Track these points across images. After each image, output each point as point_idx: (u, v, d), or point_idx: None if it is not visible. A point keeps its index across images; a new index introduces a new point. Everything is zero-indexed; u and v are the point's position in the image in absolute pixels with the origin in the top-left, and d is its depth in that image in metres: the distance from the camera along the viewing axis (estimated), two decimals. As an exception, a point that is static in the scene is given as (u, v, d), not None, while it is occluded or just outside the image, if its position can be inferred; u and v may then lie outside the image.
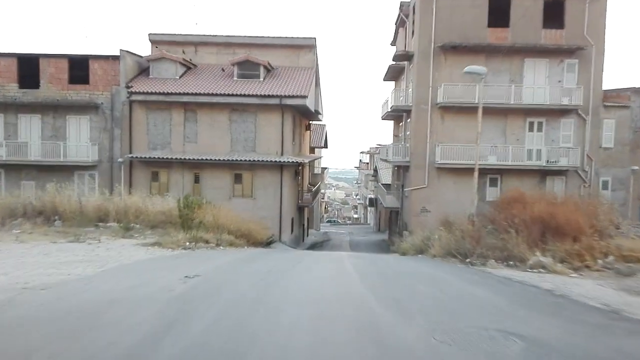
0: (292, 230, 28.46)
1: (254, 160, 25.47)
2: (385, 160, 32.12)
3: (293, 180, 28.80)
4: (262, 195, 26.26)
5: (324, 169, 50.84)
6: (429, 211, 26.11)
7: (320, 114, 35.01)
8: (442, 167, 25.67)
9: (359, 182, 79.34)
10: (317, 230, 44.95)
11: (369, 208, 67.55)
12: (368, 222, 68.87)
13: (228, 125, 26.22)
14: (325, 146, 53.80)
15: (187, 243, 13.44)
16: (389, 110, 31.40)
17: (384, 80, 35.03)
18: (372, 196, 54.03)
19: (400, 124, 32.64)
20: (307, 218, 38.34)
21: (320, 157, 40.29)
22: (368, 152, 69.71)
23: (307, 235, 37.98)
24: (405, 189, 28.47)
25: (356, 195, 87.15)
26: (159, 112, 26.43)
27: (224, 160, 25.57)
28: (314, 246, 32.60)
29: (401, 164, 28.12)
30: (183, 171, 26.33)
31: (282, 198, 26.26)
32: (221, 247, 14.76)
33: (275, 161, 25.57)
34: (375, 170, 52.25)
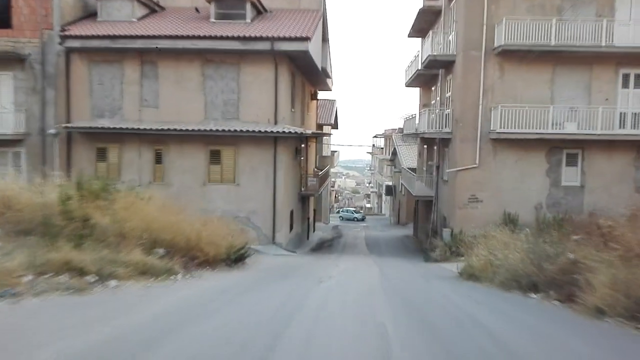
0: (291, 227, 21.00)
1: (237, 131, 17.96)
2: (414, 135, 24.42)
3: (293, 160, 21.27)
4: (248, 181, 18.78)
5: (333, 152, 43.08)
6: (479, 201, 18.48)
7: (329, 77, 27.31)
8: (500, 139, 17.97)
9: (372, 168, 71.62)
10: (326, 224, 37.54)
11: (384, 197, 59.88)
12: (383, 212, 61.24)
13: (201, 82, 18.68)
14: (336, 126, 46.26)
15: (26, 277, 5.95)
16: (420, 68, 23.64)
17: (409, 36, 27.15)
18: (390, 183, 46.39)
19: (433, 87, 24.86)
20: (314, 210, 30.90)
21: (330, 135, 32.95)
22: (383, 136, 61.92)
23: (314, 231, 30.56)
24: (444, 172, 20.85)
25: (369, 183, 79.46)
26: (107, 67, 18.95)
27: (195, 131, 18.09)
28: (320, 246, 25.13)
29: (438, 137, 20.44)
30: (140, 147, 18.89)
31: (277, 184, 18.75)
32: (113, 281, 7.10)
33: (267, 132, 18.04)
34: (394, 153, 44.48)
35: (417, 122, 23.68)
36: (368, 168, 75.06)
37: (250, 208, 18.73)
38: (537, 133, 17.54)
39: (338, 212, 68.98)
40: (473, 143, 18.35)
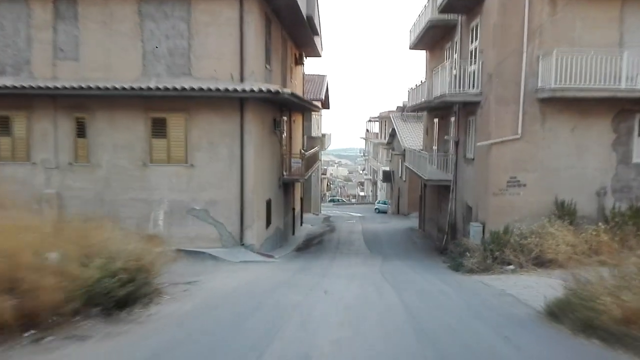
0: (268, 222, 15.84)
1: (188, 91, 12.70)
2: (424, 106, 19.13)
3: (269, 135, 16.08)
4: (205, 161, 13.54)
5: (324, 134, 37.82)
6: (522, 185, 13.40)
7: (317, 34, 21.99)
8: (552, 100, 12.87)
9: (365, 154, 66.50)
10: (316, 215, 32.44)
11: (379, 184, 54.86)
12: (378, 199, 56.25)
13: (137, 24, 13.32)
14: (327, 105, 41.02)
15: None
16: (431, 19, 18.48)
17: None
18: (387, 169, 41.32)
19: (448, 45, 19.63)
20: (301, 199, 25.77)
21: (319, 110, 27.69)
22: (378, 119, 56.69)
23: (301, 225, 25.45)
24: (468, 148, 15.73)
25: (362, 170, 74.39)
26: (6, 5, 13.57)
27: (130, 91, 12.79)
28: (308, 245, 19.99)
29: (462, 99, 15.25)
30: (56, 115, 13.57)
31: (245, 164, 13.53)
32: None
33: (231, 91, 12.79)
34: (392, 135, 39.35)
35: (425, 90, 18.53)
36: (361, 154, 69.92)
37: (209, 198, 13.53)
38: (605, 89, 12.45)
39: (331, 201, 64.12)
40: (513, 106, 13.23)
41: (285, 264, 13.45)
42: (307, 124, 30.39)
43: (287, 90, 13.06)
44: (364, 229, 25.58)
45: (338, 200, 63.45)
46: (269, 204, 15.94)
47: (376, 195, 59.49)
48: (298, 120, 24.02)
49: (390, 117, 45.62)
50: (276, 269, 12.16)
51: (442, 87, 15.18)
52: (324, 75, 34.90)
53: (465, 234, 15.64)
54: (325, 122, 41.25)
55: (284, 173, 18.60)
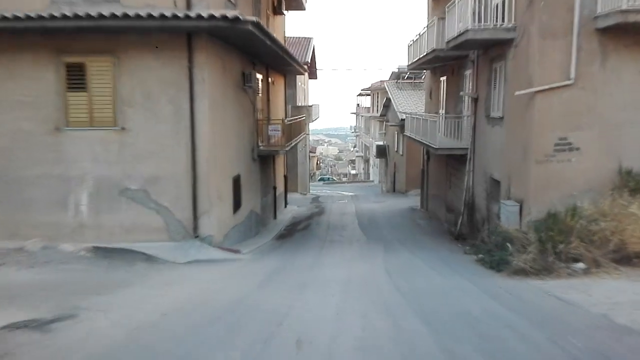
0: (237, 205, 12.17)
1: (112, 18, 8.85)
2: (434, 57, 15.28)
3: (237, 91, 12.31)
4: (142, 122, 9.77)
5: (311, 106, 33.92)
6: (575, 148, 9.84)
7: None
8: (619, 28, 9.25)
9: (356, 130, 62.77)
10: (304, 194, 28.78)
11: (372, 161, 51.29)
12: (371, 179, 52.76)
13: None
14: (314, 75, 37.28)
15: None
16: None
17: None
18: (381, 143, 37.66)
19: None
20: (285, 177, 22.09)
21: (304, 73, 23.70)
22: (369, 90, 52.78)
23: (286, 206, 21.85)
24: (494, 104, 12.05)
25: (353, 147, 70.70)
26: None
27: (30, 20, 8.93)
28: (292, 231, 16.38)
29: (489, 38, 11.51)
30: None
31: (198, 124, 9.79)
32: None
33: (171, 18, 8.94)
34: (386, 105, 35.61)
35: (433, 37, 14.77)
36: (352, 131, 66.14)
37: (149, 173, 9.82)
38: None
39: (320, 179, 60.56)
40: (563, 40, 9.57)
41: (255, 262, 9.84)
42: (291, 92, 26.59)
43: (252, 18, 9.23)
44: (357, 209, 22.04)
45: (328, 179, 59.93)
46: (237, 181, 12.26)
47: (368, 173, 55.96)
48: (279, 82, 20.19)
49: (383, 87, 41.83)
50: (237, 273, 8.53)
51: (463, 23, 11.43)
52: (309, 38, 30.93)
53: (489, 216, 12.13)
54: (313, 95, 37.28)
55: (260, 143, 14.89)
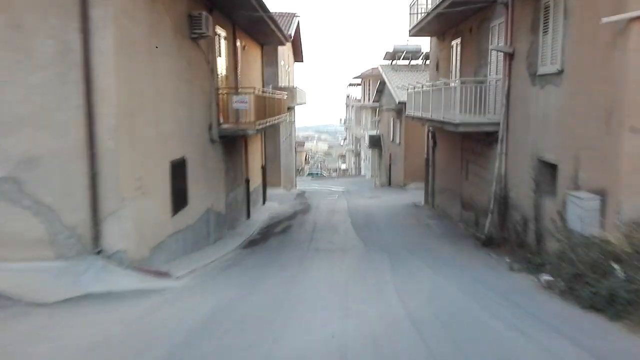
0: (179, 202, 8.42)
1: None
2: (450, 4, 11.62)
3: (178, 39, 8.53)
4: (6, 67, 6.08)
5: (295, 87, 30.12)
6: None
7: None
8: None
9: (346, 122, 59.12)
10: (288, 190, 25.00)
11: (363, 154, 47.72)
12: (362, 173, 49.21)
13: None
14: (300, 56, 33.60)
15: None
16: None
17: None
18: (374, 133, 34.04)
19: None
20: (263, 168, 18.38)
21: (285, 43, 19.96)
22: (359, 79, 49.10)
23: (264, 203, 18.17)
24: (542, 56, 8.44)
25: (344, 140, 67.06)
26: None
27: None
28: (266, 236, 12.57)
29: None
30: None
31: (95, 72, 6.08)
32: None
33: None
34: (379, 90, 31.99)
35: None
36: (342, 123, 62.40)
37: (20, 152, 6.09)
38: None
39: (309, 174, 56.97)
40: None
41: (189, 296, 6.08)
42: (272, 71, 22.86)
43: None
44: (350, 206, 18.40)
45: (317, 174, 56.31)
46: (180, 167, 8.53)
47: (359, 168, 52.38)
48: (253, 52, 16.46)
49: (375, 74, 38.22)
50: (140, 330, 4.75)
51: None
52: (293, 13, 27.14)
53: (537, 214, 8.53)
54: (300, 83, 33.83)
55: (220, 120, 11.18)
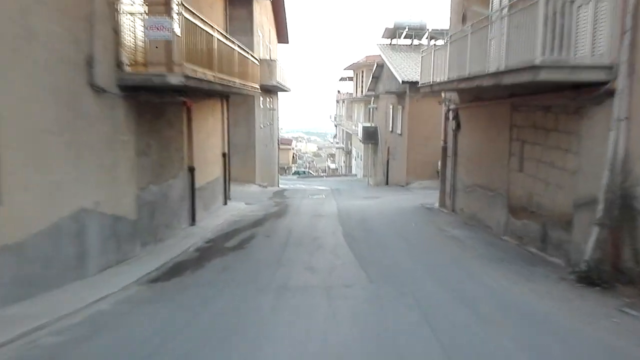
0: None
1: None
2: None
3: None
4: None
5: (274, 60, 25.34)
6: None
7: None
8: None
9: (337, 118, 54.42)
10: (264, 187, 20.11)
11: (355, 153, 43.02)
12: (353, 172, 44.53)
13: None
14: (284, 36, 29.02)
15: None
16: None
17: None
18: (369, 124, 29.32)
19: None
20: (225, 155, 13.51)
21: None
22: (350, 73, 44.44)
23: (226, 202, 13.31)
24: None
25: (334, 137, 62.31)
26: None
27: None
28: (206, 256, 7.67)
29: None
30: None
31: None
32: None
33: None
34: (375, 76, 27.29)
35: None
36: (331, 118, 57.75)
37: None
38: None
39: (296, 173, 52.21)
40: None
41: None
42: (248, 40, 18.02)
43: None
44: (341, 209, 13.61)
45: (304, 172, 51.57)
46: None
47: (350, 167, 47.68)
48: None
49: (369, 63, 33.63)
50: None
51: None
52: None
53: None
54: (287, 72, 29.03)
55: (123, 59, 6.36)
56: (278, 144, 30.95)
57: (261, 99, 20.75)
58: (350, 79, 47.74)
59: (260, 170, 20.61)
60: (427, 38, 24.75)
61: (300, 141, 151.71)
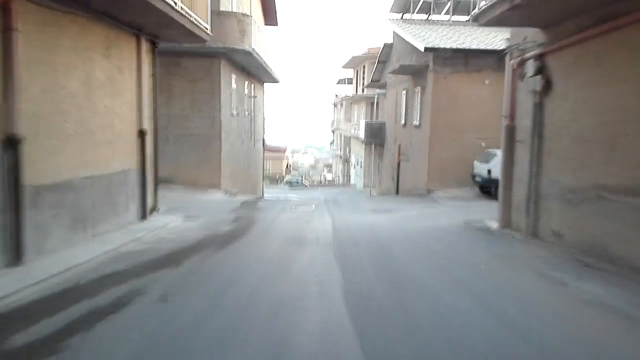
0: None
1: None
2: None
3: None
4: None
5: (247, 16, 19.87)
6: None
7: None
8: None
9: (334, 122, 49.12)
10: (230, 195, 14.62)
11: (354, 160, 37.59)
12: (352, 182, 39.10)
13: None
14: (272, 16, 24.16)
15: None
16: None
17: None
18: (372, 120, 23.89)
19: None
20: (141, 135, 8.08)
21: None
22: (350, 72, 39.25)
23: (151, 212, 7.85)
24: None
25: (330, 144, 56.93)
26: None
27: None
28: None
29: None
30: None
31: None
32: None
33: None
34: (381, 61, 21.98)
35: None
36: (331, 124, 52.40)
37: None
38: None
39: (287, 183, 46.73)
40: None
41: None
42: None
43: None
44: (338, 229, 8.14)
45: (298, 182, 46.04)
46: None
47: (348, 176, 42.20)
48: None
49: (370, 57, 28.36)
50: None
51: None
52: None
53: None
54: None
55: None
56: (264, 145, 25.49)
57: (234, 76, 15.34)
58: (350, 80, 42.56)
59: (229, 173, 15.10)
60: (449, 11, 19.53)
61: (297, 153, 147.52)
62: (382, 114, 23.00)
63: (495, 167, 12.56)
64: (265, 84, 24.58)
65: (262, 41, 16.78)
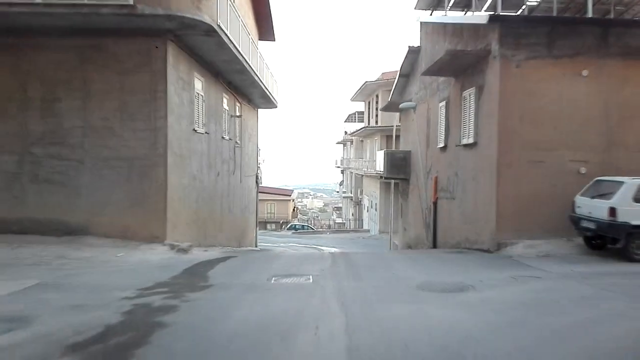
0: None
1: None
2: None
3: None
4: None
5: None
6: None
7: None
8: None
9: (343, 161, 43.99)
10: (181, 251, 9.42)
11: (367, 203, 32.19)
12: (365, 227, 33.57)
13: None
14: (269, 30, 19.77)
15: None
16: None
17: None
18: (393, 150, 18.57)
19: None
20: None
21: None
22: (361, 105, 34.59)
23: None
24: None
25: (340, 185, 51.57)
26: None
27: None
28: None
29: None
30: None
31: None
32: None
33: None
34: (406, 73, 16.99)
35: None
36: (336, 165, 47.29)
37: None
38: None
39: (292, 228, 41.32)
40: None
41: None
42: None
43: None
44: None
45: (303, 227, 40.60)
46: None
47: (361, 220, 36.60)
48: None
49: (384, 83, 23.61)
50: None
51: None
52: None
53: None
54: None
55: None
56: (257, 181, 20.29)
57: (197, 76, 10.35)
58: (360, 115, 37.85)
59: (189, 217, 9.80)
60: (493, 6, 14.69)
61: (307, 197, 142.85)
62: (405, 144, 17.83)
63: (623, 204, 7.24)
64: (260, 109, 19.78)
65: (253, 49, 11.92)
